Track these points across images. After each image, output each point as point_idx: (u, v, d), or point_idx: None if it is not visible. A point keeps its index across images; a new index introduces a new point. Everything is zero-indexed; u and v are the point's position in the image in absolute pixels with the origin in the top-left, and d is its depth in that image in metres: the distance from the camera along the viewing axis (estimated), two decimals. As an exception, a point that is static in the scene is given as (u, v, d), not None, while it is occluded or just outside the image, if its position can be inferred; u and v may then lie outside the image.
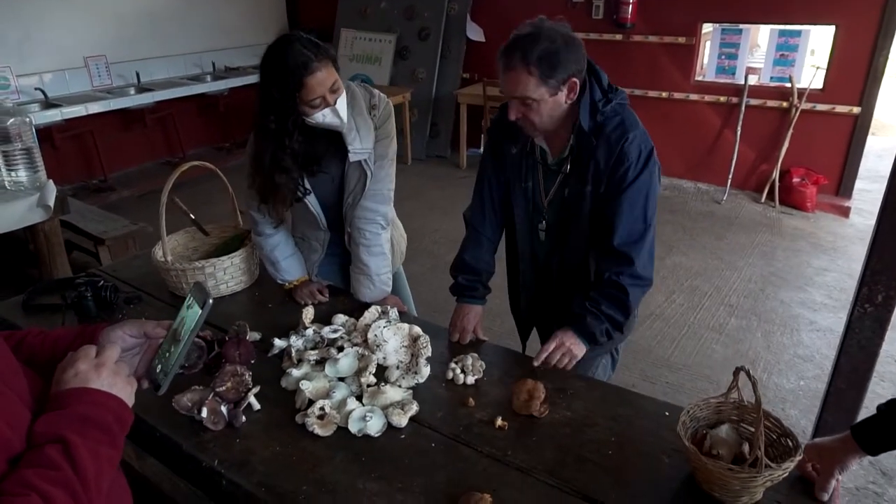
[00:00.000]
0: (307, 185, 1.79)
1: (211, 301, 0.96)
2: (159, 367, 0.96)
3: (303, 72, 1.56)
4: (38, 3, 4.93)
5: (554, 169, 1.65)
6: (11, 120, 2.68)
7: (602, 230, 1.60)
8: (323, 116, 1.63)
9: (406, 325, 1.63)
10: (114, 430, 0.84)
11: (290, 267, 1.93)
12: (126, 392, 0.88)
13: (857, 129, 4.76)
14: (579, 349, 1.60)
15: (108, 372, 0.87)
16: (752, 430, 1.18)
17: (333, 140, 1.74)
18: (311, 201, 1.81)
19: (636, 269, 1.57)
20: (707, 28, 5.35)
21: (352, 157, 1.74)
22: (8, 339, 0.92)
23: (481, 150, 6.15)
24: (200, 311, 0.95)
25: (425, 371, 1.52)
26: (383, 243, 1.88)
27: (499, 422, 1.37)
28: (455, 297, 1.84)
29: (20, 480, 0.73)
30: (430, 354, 1.55)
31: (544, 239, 1.76)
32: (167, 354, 0.96)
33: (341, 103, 1.65)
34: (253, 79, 6.18)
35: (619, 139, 1.52)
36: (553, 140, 1.62)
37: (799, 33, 4.94)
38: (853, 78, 4.65)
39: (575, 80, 1.50)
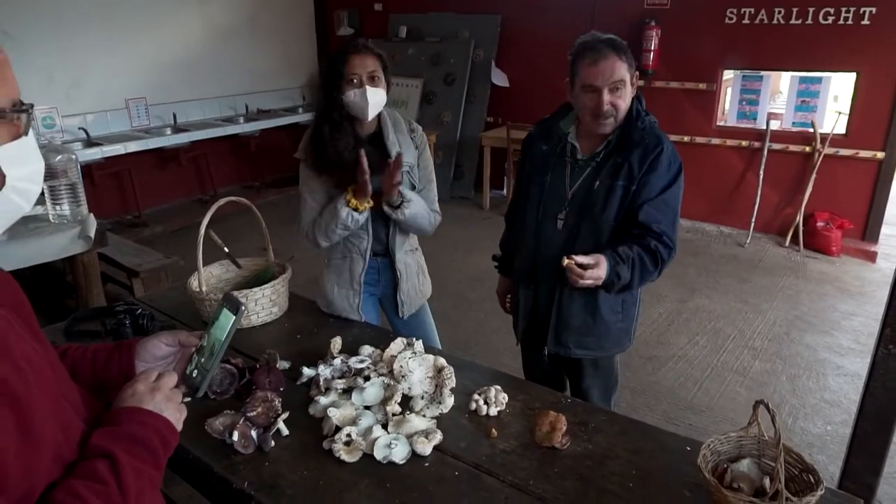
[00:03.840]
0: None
1: (244, 308, 1.04)
2: (195, 372, 1.03)
3: (351, 50, 1.88)
4: (87, 50, 5.23)
5: (582, 165, 1.82)
6: (59, 157, 2.82)
7: (649, 228, 1.74)
8: (354, 95, 1.87)
9: (431, 357, 1.67)
10: (158, 452, 0.89)
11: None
12: (175, 416, 0.94)
13: (882, 174, 4.76)
14: (599, 273, 1.65)
15: (162, 396, 0.94)
16: (773, 464, 1.19)
17: (378, 154, 1.94)
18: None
19: (672, 254, 1.77)
20: (728, 74, 5.44)
21: None
22: None
23: (504, 191, 6.27)
24: (234, 317, 1.03)
25: (449, 401, 1.55)
26: (432, 220, 2.08)
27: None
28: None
29: (69, 489, 0.79)
30: (454, 385, 1.59)
31: (561, 228, 1.87)
32: (202, 359, 1.03)
33: (374, 94, 1.87)
34: (283, 121, 6.42)
35: (655, 147, 1.75)
36: (586, 139, 1.82)
37: (820, 80, 5.00)
38: (876, 123, 4.67)
39: (637, 74, 1.76)
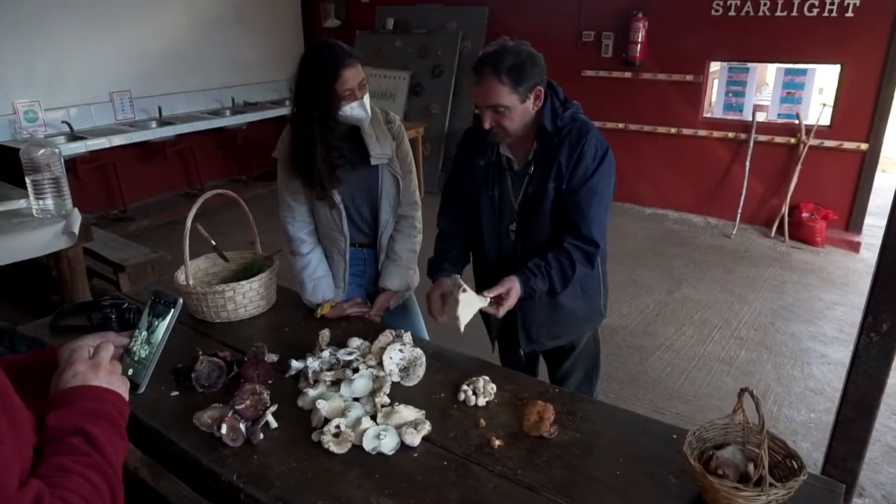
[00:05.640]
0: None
1: (181, 300, 1.09)
2: (131, 370, 1.05)
3: (339, 65, 1.78)
4: (69, 42, 5.15)
5: (521, 174, 1.82)
6: (42, 151, 2.78)
7: (569, 222, 1.75)
8: (351, 109, 1.83)
9: (419, 350, 1.68)
10: (119, 422, 0.88)
11: (316, 289, 2.02)
12: (123, 389, 0.93)
13: (866, 165, 4.82)
14: (515, 299, 1.71)
15: (105, 371, 0.91)
16: (758, 450, 1.20)
17: (357, 149, 1.93)
18: (336, 196, 1.97)
19: (596, 253, 1.77)
20: (714, 66, 5.46)
21: (373, 161, 1.93)
22: None
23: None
24: (173, 310, 1.08)
25: (420, 370, 1.64)
26: (416, 245, 2.12)
27: (497, 443, 1.40)
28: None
29: (57, 466, 0.77)
30: (423, 363, 1.65)
31: (514, 238, 1.90)
32: (140, 355, 1.06)
33: (367, 99, 1.86)
34: (270, 114, 6.37)
35: (579, 139, 1.72)
36: (518, 148, 1.80)
37: (805, 72, 5.04)
38: (860, 115, 4.72)
39: (540, 88, 1.69)
